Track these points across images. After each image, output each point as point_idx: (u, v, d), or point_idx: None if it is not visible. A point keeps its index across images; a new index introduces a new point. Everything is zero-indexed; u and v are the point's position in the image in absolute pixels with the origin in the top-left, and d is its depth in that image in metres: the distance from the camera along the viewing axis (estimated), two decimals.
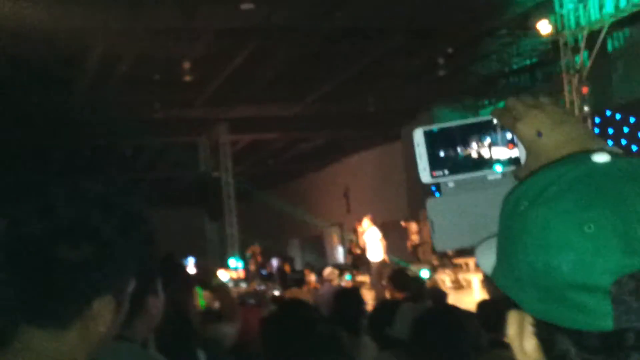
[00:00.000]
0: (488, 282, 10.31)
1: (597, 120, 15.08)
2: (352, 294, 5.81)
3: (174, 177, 25.53)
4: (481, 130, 1.28)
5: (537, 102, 1.17)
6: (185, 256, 16.74)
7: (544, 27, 14.56)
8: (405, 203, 21.71)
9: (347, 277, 17.38)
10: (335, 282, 15.13)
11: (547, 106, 1.15)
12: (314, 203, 28.31)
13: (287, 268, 22.29)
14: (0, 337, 1.33)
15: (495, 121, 1.25)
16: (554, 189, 0.82)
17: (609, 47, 15.55)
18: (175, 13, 13.15)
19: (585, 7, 14.15)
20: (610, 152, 0.87)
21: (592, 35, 14.41)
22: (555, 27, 14.59)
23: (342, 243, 26.16)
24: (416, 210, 20.40)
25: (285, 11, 13.42)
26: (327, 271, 13.47)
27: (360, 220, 18.01)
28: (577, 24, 14.41)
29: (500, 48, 16.31)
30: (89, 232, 1.36)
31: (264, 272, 21.95)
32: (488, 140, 1.27)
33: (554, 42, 15.07)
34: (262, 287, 17.15)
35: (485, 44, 15.96)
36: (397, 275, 7.37)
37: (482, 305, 5.21)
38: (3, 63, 14.67)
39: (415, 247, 19.94)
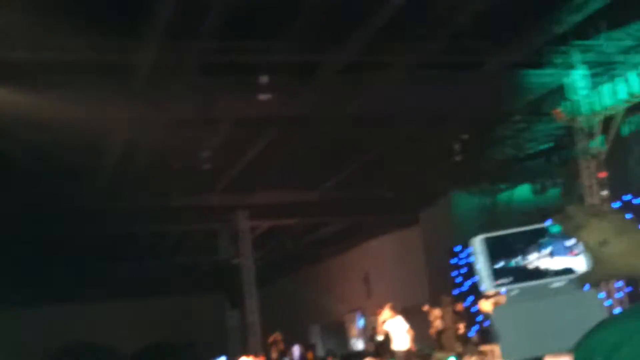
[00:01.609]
0: None
1: (616, 205, 15.00)
2: None
3: (194, 264, 25.53)
4: (540, 237, 1.29)
5: (598, 210, 1.19)
6: (216, 353, 16.60)
7: (559, 113, 14.66)
8: (426, 288, 21.53)
9: None
10: None
11: (609, 215, 1.17)
12: (334, 288, 28.11)
13: (310, 356, 22.04)
14: None
15: (554, 228, 1.26)
16: (625, 350, 0.85)
17: (624, 131, 15.59)
18: (194, 103, 13.39)
19: (598, 93, 14.24)
20: None
21: (607, 120, 14.48)
22: (569, 112, 14.68)
23: (364, 330, 25.87)
24: (437, 295, 20.20)
25: (302, 100, 13.62)
26: None
27: (381, 308, 17.85)
28: (592, 109, 14.48)
29: (515, 133, 16.39)
30: None
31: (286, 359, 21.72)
32: (549, 247, 1.28)
33: (569, 127, 15.14)
34: None
35: (500, 129, 16.07)
36: None
37: None
38: (25, 153, 14.93)
39: (439, 333, 19.66)
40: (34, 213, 17.80)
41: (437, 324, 19.75)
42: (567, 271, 1.27)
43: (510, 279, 1.30)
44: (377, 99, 13.72)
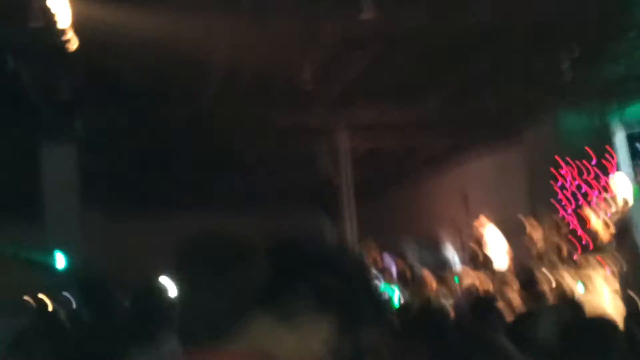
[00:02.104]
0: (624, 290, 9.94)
1: None
2: (489, 304, 5.73)
3: (295, 183, 25.83)
4: None
5: None
6: None
7: None
8: (527, 209, 21.22)
9: None
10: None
11: None
12: (433, 207, 28.02)
13: (405, 268, 22.12)
14: None
15: None
16: None
17: None
18: (298, 21, 13.33)
19: None
20: None
21: None
22: None
23: (461, 245, 25.80)
24: (539, 215, 19.92)
25: (403, 18, 13.38)
26: (468, 280, 13.22)
27: (478, 219, 17.53)
28: None
29: (630, 50, 15.70)
30: None
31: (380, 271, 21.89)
32: None
33: None
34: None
35: (614, 45, 15.42)
36: (527, 282, 7.21)
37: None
38: (132, 72, 15.29)
39: (539, 251, 19.51)
40: (142, 130, 18.31)
41: (537, 241, 19.59)
42: None
43: None
44: (484, 12, 13.34)
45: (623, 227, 9.11)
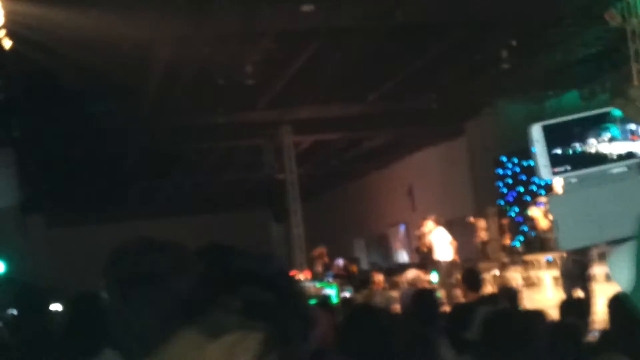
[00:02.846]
0: (566, 279, 10.12)
1: None
2: (429, 296, 5.77)
3: (239, 180, 25.74)
4: (600, 122, 1.24)
5: None
6: None
7: (611, 15, 14.22)
8: (471, 199, 21.50)
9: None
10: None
11: None
12: (378, 202, 28.22)
13: (354, 269, 22.28)
14: None
15: (614, 112, 1.21)
16: None
17: None
18: (237, 17, 13.25)
19: None
20: None
21: None
22: (622, 14, 14.24)
23: (408, 242, 26.02)
24: (483, 207, 20.19)
25: (345, 11, 13.41)
26: (412, 274, 13.27)
27: (424, 220, 17.85)
28: None
29: (566, 38, 15.97)
30: None
31: (330, 273, 21.96)
32: (609, 133, 1.23)
33: (621, 30, 14.70)
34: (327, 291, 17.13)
35: (550, 34, 15.65)
36: (469, 275, 7.30)
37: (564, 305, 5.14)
38: (69, 72, 14.98)
39: (484, 244, 19.76)
40: (80, 131, 18.00)
41: (482, 235, 19.84)
42: (628, 156, 1.22)
43: (569, 166, 1.25)
44: (422, 7, 13.46)
45: None
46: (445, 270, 16.04)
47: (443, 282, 15.76)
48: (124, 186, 23.51)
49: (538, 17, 14.70)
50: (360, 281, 18.60)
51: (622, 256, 0.88)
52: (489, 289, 12.83)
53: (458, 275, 14.16)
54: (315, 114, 19.51)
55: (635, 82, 14.55)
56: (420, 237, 18.73)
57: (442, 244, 16.49)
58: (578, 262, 9.92)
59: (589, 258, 10.03)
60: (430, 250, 17.18)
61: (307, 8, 12.74)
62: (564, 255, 10.49)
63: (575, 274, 9.99)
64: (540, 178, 1.28)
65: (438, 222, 17.20)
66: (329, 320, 5.24)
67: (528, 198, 18.16)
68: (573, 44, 16.40)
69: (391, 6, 13.37)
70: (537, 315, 4.28)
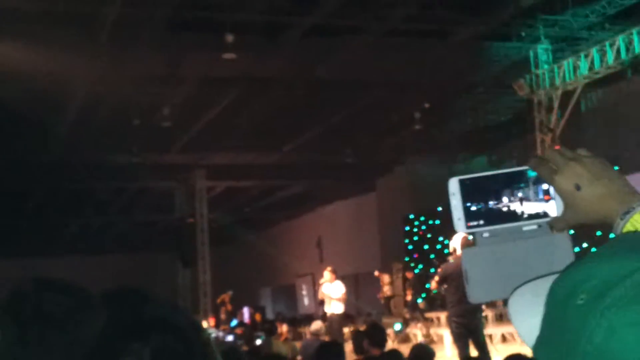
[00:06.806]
0: (455, 339, 10.22)
1: None
2: (334, 349, 5.82)
3: (149, 222, 25.41)
4: (516, 180, 1.26)
5: (576, 154, 1.16)
6: None
7: (520, 86, 14.85)
8: (379, 255, 21.76)
9: None
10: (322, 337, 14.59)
11: (586, 159, 1.15)
12: (287, 252, 28.24)
13: (258, 318, 22.17)
14: None
15: (530, 172, 1.24)
16: (618, 292, 0.73)
17: (583, 107, 15.87)
18: (160, 60, 13.25)
19: (560, 68, 14.46)
20: None
21: (567, 95, 14.72)
22: (530, 86, 14.89)
23: (315, 293, 26.07)
24: (389, 262, 20.46)
25: (267, 62, 13.58)
26: (316, 326, 13.19)
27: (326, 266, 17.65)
28: (552, 83, 14.72)
29: (477, 104, 16.57)
30: None
31: (234, 320, 21.80)
32: (523, 191, 1.26)
33: (529, 100, 15.36)
34: (230, 338, 16.99)
35: (462, 100, 16.21)
36: (373, 330, 7.12)
37: None
38: None
39: (388, 299, 19.94)
40: None
41: (387, 290, 20.03)
42: (539, 215, 1.25)
43: (483, 221, 1.27)
44: (343, 65, 13.74)
45: (448, 274, 9.56)
46: (334, 323, 15.58)
47: (332, 335, 15.24)
48: (31, 222, 22.88)
49: (452, 84, 15.21)
50: (265, 331, 18.47)
51: (523, 304, 0.90)
52: (389, 344, 12.88)
53: (347, 329, 14.02)
54: (230, 160, 19.54)
55: (539, 152, 15.16)
56: (321, 284, 18.61)
57: (334, 296, 15.96)
58: (461, 324, 10.03)
59: (474, 321, 10.10)
60: (326, 296, 16.76)
61: (228, 56, 12.84)
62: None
63: (462, 334, 10.12)
64: (456, 230, 1.33)
65: (335, 274, 16.67)
66: None
67: (433, 256, 18.49)
68: (484, 111, 17.00)
69: (313, 61, 13.62)
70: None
